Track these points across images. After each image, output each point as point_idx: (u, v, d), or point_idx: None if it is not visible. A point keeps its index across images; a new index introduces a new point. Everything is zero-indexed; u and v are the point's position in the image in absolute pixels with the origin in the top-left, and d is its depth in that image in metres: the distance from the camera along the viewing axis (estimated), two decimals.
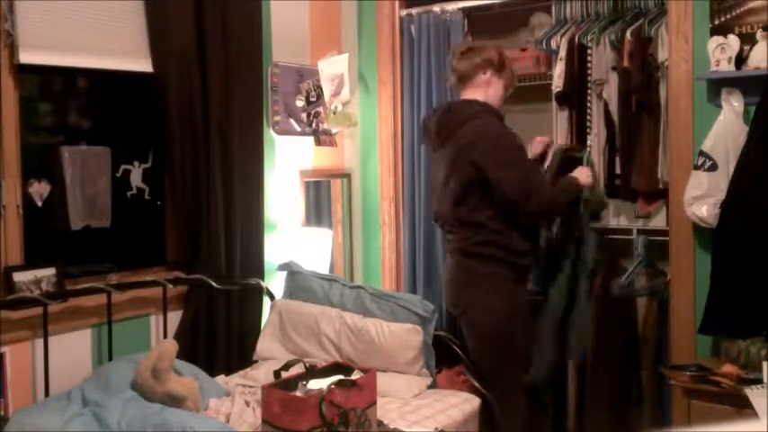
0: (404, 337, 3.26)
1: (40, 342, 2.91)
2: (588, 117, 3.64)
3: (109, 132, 3.37)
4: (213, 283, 3.37)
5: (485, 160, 3.00)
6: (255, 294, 3.60)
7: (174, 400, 2.73)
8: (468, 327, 3.20)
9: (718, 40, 3.12)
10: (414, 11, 4.03)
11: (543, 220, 3.31)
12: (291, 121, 3.94)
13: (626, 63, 3.49)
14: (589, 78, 3.62)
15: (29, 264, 2.97)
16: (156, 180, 3.44)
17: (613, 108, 3.55)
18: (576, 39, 3.67)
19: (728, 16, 3.15)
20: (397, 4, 4.06)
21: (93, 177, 3.25)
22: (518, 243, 3.08)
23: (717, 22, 3.18)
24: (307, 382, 2.64)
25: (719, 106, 3.14)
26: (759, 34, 3.06)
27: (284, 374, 2.64)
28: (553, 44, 3.77)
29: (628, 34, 3.48)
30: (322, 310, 3.43)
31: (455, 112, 3.18)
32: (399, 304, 3.35)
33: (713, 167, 3.11)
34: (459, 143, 3.06)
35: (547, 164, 3.46)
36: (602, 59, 3.59)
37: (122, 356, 3.03)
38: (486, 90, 3.18)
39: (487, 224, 3.06)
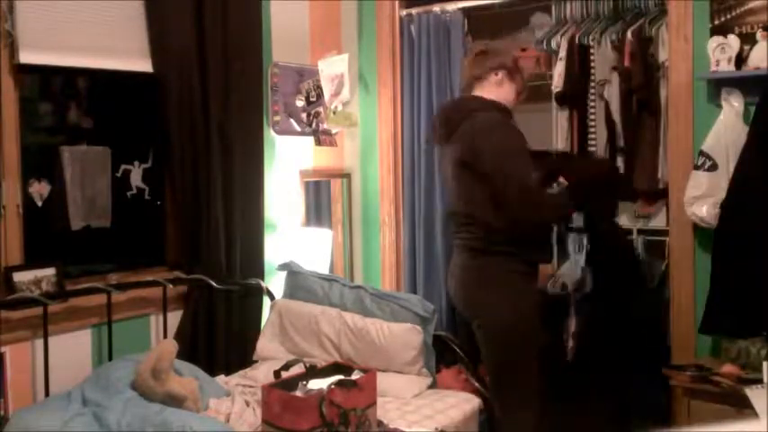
0: (404, 337, 3.26)
1: (40, 342, 2.91)
2: (593, 117, 3.64)
3: (109, 132, 3.37)
4: (213, 283, 3.36)
5: (480, 151, 2.88)
6: (255, 294, 3.60)
7: (174, 400, 2.72)
8: (478, 330, 3.02)
9: (718, 40, 3.13)
10: (414, 11, 4.03)
11: (528, 219, 2.97)
12: (291, 121, 3.94)
13: (627, 63, 3.50)
14: (592, 79, 3.62)
15: (29, 264, 2.97)
16: (156, 180, 3.44)
17: (614, 108, 3.56)
18: (576, 39, 3.67)
19: (728, 16, 3.16)
20: (397, 4, 4.07)
21: (93, 177, 3.24)
22: (526, 235, 2.91)
23: (717, 22, 3.18)
24: (307, 382, 2.64)
25: (719, 106, 3.14)
26: (759, 34, 3.07)
27: (284, 374, 2.64)
28: (553, 44, 3.77)
29: (629, 34, 3.49)
30: (322, 310, 3.43)
31: (461, 106, 3.09)
32: (399, 304, 3.35)
33: (713, 167, 3.11)
34: (462, 137, 2.95)
35: None
36: (603, 59, 3.59)
37: (122, 356, 3.03)
38: (497, 90, 3.05)
39: (492, 219, 2.90)
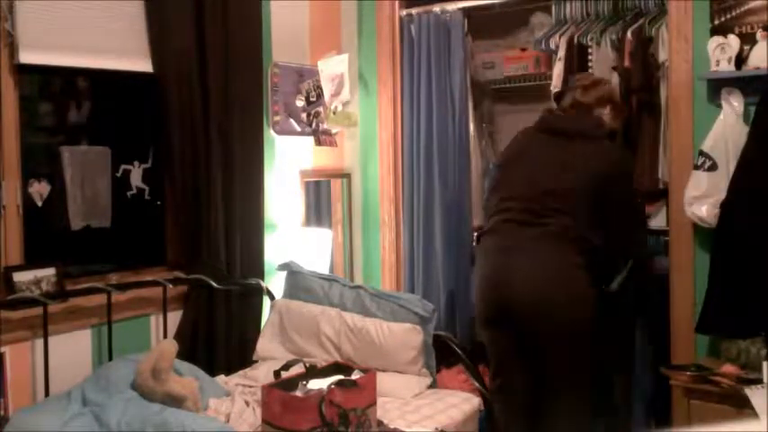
0: (404, 337, 3.27)
1: (40, 342, 2.91)
2: None
3: (109, 132, 3.37)
4: (213, 283, 3.37)
5: (615, 187, 2.95)
6: (255, 294, 3.60)
7: (174, 400, 2.73)
8: (549, 323, 2.90)
9: (718, 40, 3.13)
10: (414, 11, 4.03)
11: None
12: (291, 121, 3.94)
13: (627, 63, 3.50)
14: None
15: (29, 264, 2.97)
16: (156, 180, 3.44)
17: None
18: (576, 39, 3.67)
19: (728, 16, 3.16)
20: (396, 4, 4.06)
21: (93, 177, 3.24)
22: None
23: (717, 22, 3.18)
24: (307, 382, 2.64)
25: (719, 106, 3.14)
26: (759, 34, 3.07)
27: (284, 374, 2.65)
28: (552, 44, 3.78)
29: (628, 34, 3.49)
30: (322, 310, 3.43)
31: (582, 121, 3.08)
32: (399, 304, 3.35)
33: (713, 167, 3.11)
34: (590, 161, 2.95)
35: None
36: (603, 59, 3.59)
37: (122, 356, 3.03)
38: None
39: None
